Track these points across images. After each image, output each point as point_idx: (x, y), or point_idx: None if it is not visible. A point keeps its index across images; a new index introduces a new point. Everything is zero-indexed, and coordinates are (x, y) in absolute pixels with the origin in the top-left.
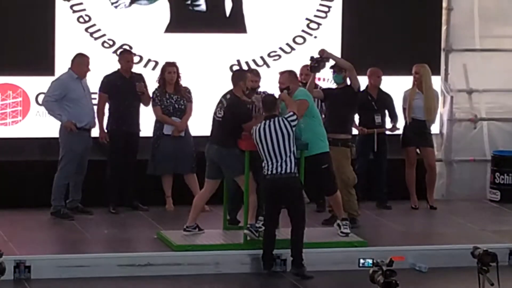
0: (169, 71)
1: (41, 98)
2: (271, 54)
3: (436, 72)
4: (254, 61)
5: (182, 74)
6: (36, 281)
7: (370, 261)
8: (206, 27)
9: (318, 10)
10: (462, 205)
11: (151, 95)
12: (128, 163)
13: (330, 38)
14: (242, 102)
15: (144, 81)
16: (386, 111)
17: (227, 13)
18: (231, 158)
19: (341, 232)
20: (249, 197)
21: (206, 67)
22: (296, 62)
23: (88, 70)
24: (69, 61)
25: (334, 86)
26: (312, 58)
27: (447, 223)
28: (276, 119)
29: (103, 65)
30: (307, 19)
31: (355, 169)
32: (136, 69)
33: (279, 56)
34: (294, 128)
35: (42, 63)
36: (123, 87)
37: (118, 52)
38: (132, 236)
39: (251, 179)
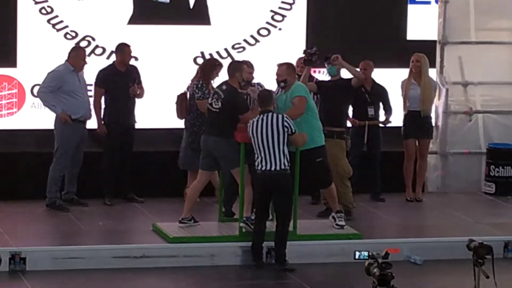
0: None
1: (36, 89)
2: (235, 46)
3: (432, 64)
4: (218, 53)
5: (145, 66)
6: (32, 272)
7: (366, 253)
8: (169, 19)
9: (282, 2)
10: (457, 197)
11: (188, 88)
12: (124, 155)
13: (295, 30)
14: (239, 93)
15: (138, 72)
16: (381, 104)
17: (191, 5)
18: (228, 149)
19: (336, 224)
20: (244, 190)
21: (169, 60)
22: (261, 54)
23: (85, 63)
24: (31, 52)
25: (328, 78)
26: (305, 51)
27: (442, 215)
28: (270, 114)
29: (64, 56)
30: (271, 11)
31: (349, 161)
32: (99, 61)
33: (244, 48)
34: (285, 129)
35: (4, 54)
36: (119, 81)
37: (116, 46)
38: (128, 228)
39: (246, 171)
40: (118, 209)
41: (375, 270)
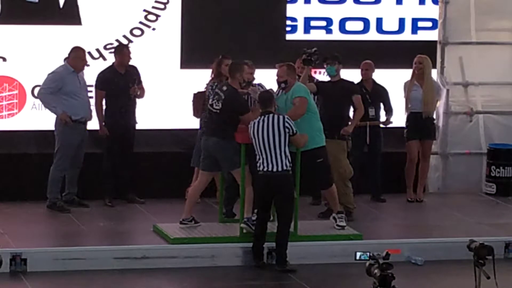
0: (226, 64)
1: (37, 90)
2: (108, 47)
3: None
4: (89, 53)
5: (14, 67)
6: (32, 273)
7: (367, 254)
8: (38, 19)
9: (156, 2)
10: (458, 198)
11: (205, 88)
12: (125, 156)
13: (170, 30)
14: (240, 94)
15: (138, 73)
16: (382, 104)
17: (61, 4)
18: (229, 150)
19: (337, 225)
20: (245, 190)
21: (39, 60)
22: (134, 54)
23: (85, 63)
24: None
25: (327, 78)
26: (304, 51)
27: (443, 216)
28: (271, 115)
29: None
30: (145, 10)
31: (350, 162)
32: None
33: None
34: (286, 130)
35: None
36: (119, 83)
37: (114, 48)
38: (128, 229)
39: (247, 172)
40: (119, 210)
41: (376, 270)
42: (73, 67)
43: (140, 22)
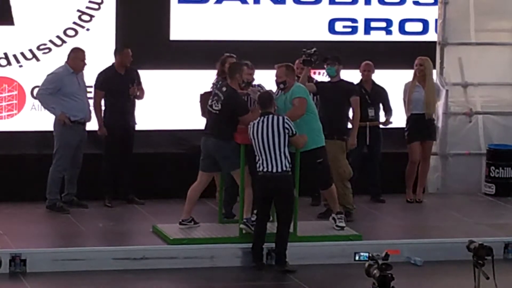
0: (230, 63)
1: (36, 91)
2: (41, 47)
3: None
4: (22, 54)
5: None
6: (32, 274)
7: (366, 254)
8: None
9: (90, 2)
10: (457, 198)
11: (211, 88)
12: (124, 156)
13: (104, 30)
14: (239, 95)
15: (137, 74)
16: (381, 105)
17: None
18: (229, 151)
19: (337, 225)
20: (244, 191)
21: None
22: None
23: (84, 64)
24: None
25: (327, 79)
26: (304, 52)
27: (442, 216)
28: (271, 116)
29: None
30: (78, 10)
31: (349, 163)
32: None
33: (49, 49)
34: (286, 131)
35: None
36: (119, 84)
37: (115, 48)
38: (128, 229)
39: (246, 172)
40: (118, 210)
41: (375, 271)
42: (73, 67)
43: (74, 23)
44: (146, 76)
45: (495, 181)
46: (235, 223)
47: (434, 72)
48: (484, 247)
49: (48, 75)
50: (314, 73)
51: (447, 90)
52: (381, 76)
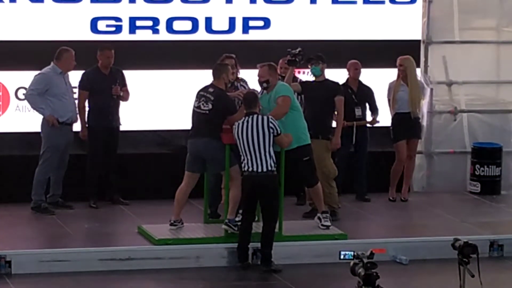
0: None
1: (21, 92)
2: None
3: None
4: None
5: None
6: (17, 276)
7: (351, 253)
8: None
9: None
10: (443, 197)
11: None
12: (109, 157)
13: None
14: (227, 95)
15: (122, 75)
16: (367, 104)
17: None
18: (218, 150)
19: (322, 225)
20: (232, 191)
21: None
22: None
23: (74, 64)
24: None
25: (312, 78)
26: (289, 52)
27: (428, 215)
28: (256, 116)
29: None
30: None
31: (335, 162)
32: None
33: None
34: (271, 130)
35: None
36: (103, 84)
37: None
38: (113, 230)
39: (237, 172)
40: (103, 211)
41: (360, 270)
42: (64, 68)
43: None
44: (131, 76)
45: (480, 179)
46: (221, 223)
47: (419, 70)
48: (469, 245)
49: (36, 76)
50: (299, 72)
51: (431, 89)
52: (365, 75)
